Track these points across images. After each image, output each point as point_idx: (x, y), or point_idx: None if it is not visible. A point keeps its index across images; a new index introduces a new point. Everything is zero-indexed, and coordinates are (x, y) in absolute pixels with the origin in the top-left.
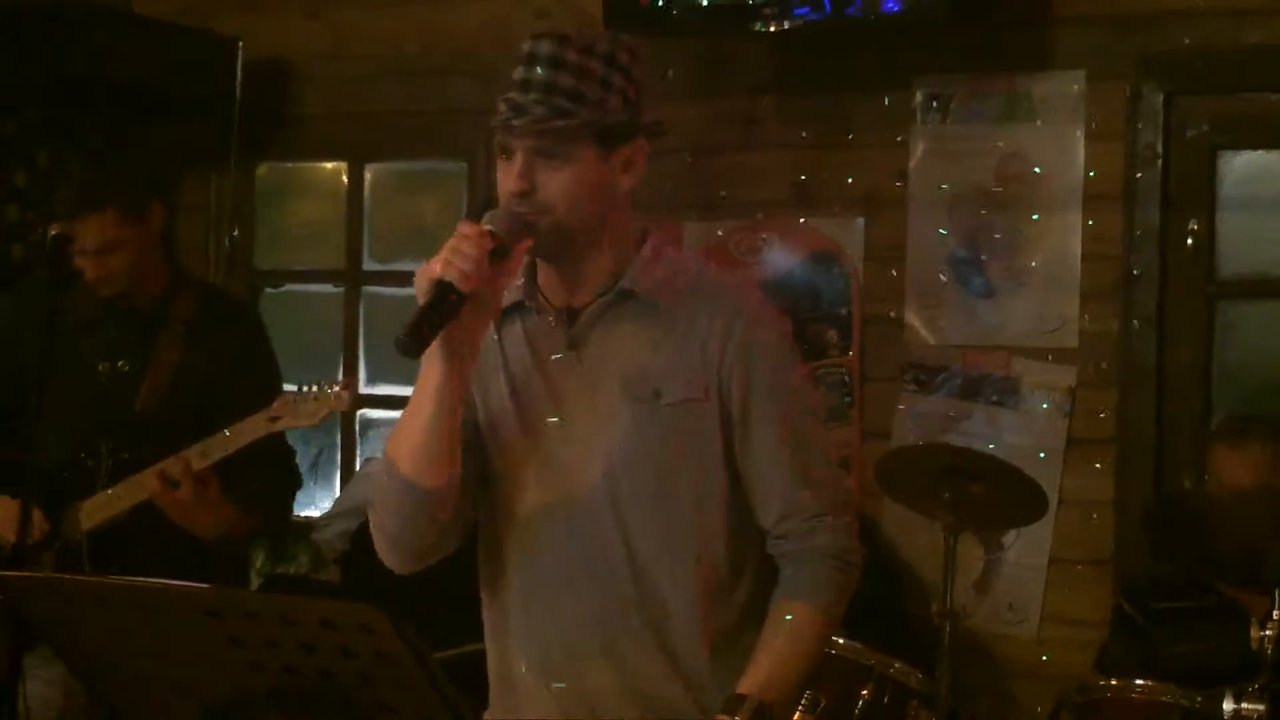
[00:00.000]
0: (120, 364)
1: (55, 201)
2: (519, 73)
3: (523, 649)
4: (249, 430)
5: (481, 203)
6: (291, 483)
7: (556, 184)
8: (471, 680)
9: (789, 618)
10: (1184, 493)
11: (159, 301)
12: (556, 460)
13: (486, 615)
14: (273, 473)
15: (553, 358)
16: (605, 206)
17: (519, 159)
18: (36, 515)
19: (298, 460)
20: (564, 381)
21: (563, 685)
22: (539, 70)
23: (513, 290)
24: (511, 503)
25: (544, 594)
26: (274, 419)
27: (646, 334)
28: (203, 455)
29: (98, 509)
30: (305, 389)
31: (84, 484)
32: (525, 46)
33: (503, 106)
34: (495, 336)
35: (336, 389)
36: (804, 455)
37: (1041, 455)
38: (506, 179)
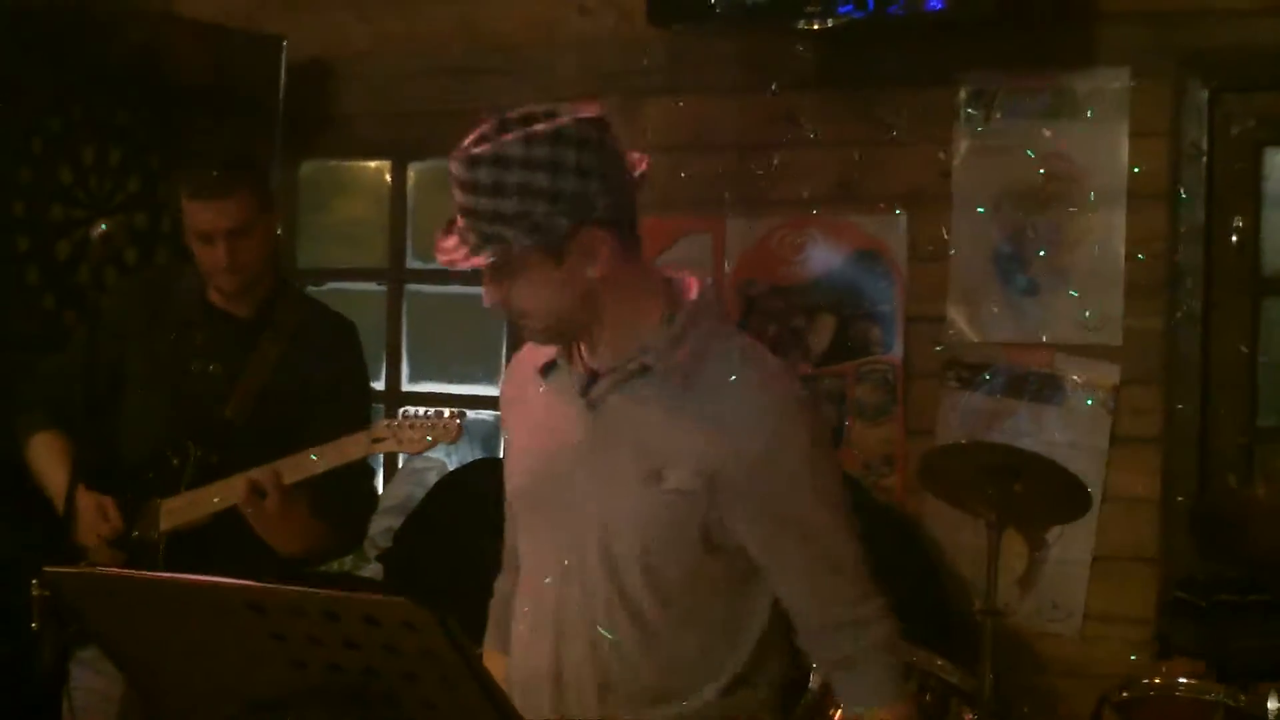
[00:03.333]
0: (213, 366)
1: (183, 185)
2: (455, 195)
3: (518, 678)
4: (348, 449)
5: None
6: (370, 505)
7: (520, 295)
8: None
9: None
10: (1230, 492)
11: (261, 309)
12: (561, 518)
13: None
14: (355, 494)
15: (572, 417)
16: (582, 298)
17: (484, 277)
18: (111, 508)
19: None
20: (580, 444)
21: None
22: (465, 195)
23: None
24: (527, 555)
25: (536, 633)
26: (377, 440)
27: (659, 412)
28: (296, 469)
29: (180, 510)
30: (415, 414)
31: (168, 483)
32: (450, 168)
33: (454, 227)
34: (537, 388)
35: (445, 419)
36: (834, 559)
37: (1085, 453)
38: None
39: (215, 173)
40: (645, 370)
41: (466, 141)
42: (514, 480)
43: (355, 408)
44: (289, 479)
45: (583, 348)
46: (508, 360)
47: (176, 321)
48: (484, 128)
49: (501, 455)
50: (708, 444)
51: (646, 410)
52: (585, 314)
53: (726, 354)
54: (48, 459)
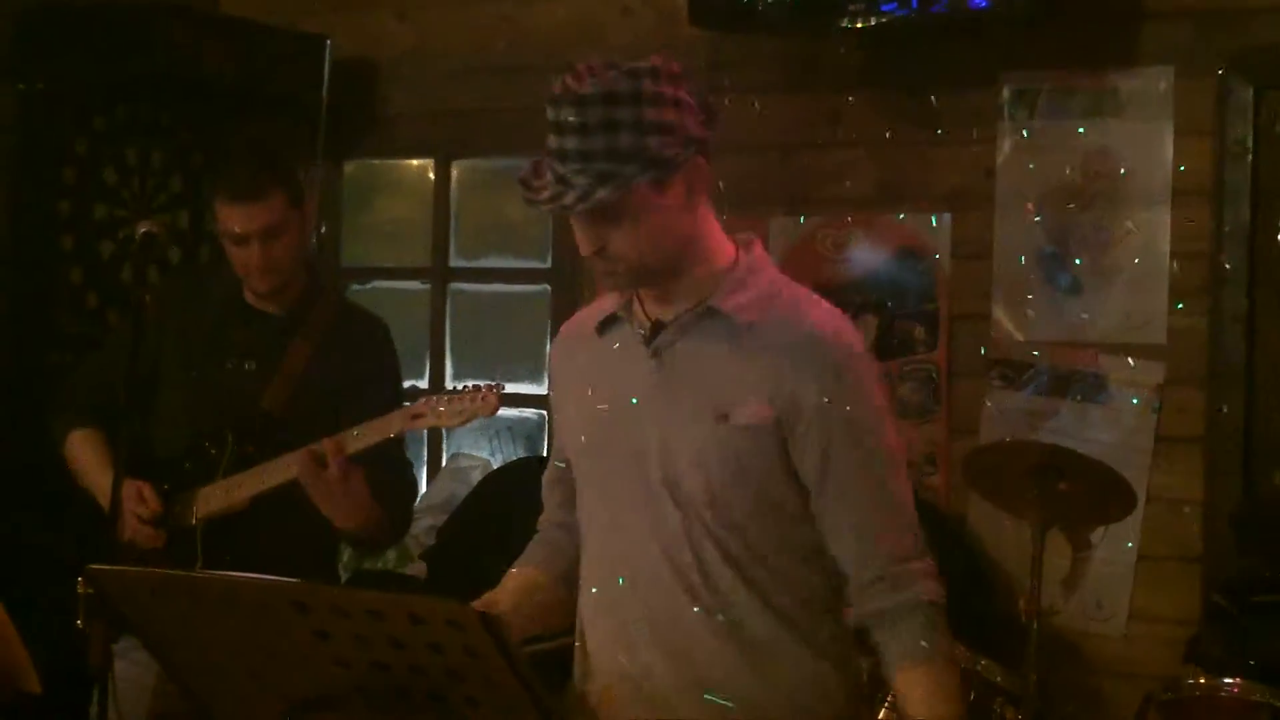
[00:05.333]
0: (248, 365)
1: (216, 188)
2: (553, 141)
3: (592, 633)
4: (389, 425)
5: None
6: (412, 493)
7: (623, 238)
8: (561, 674)
9: (924, 684)
10: (1273, 491)
11: (295, 308)
12: (631, 467)
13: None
14: (401, 478)
15: (635, 366)
16: (680, 235)
17: (581, 224)
18: (149, 490)
19: None
20: (644, 390)
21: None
22: (570, 138)
23: (611, 302)
24: (593, 505)
25: (610, 585)
26: (416, 416)
27: (725, 353)
28: (350, 442)
29: (217, 496)
30: (453, 388)
31: (205, 473)
32: (549, 113)
33: (548, 176)
34: (592, 345)
35: (483, 392)
36: (886, 503)
37: (1130, 452)
38: (580, 238)
39: (248, 174)
40: (712, 314)
41: (562, 88)
42: (578, 436)
43: (388, 404)
44: (350, 448)
45: (644, 300)
46: (551, 357)
47: (212, 321)
48: (568, 79)
49: (551, 429)
50: (773, 380)
51: (712, 352)
52: (677, 254)
53: (790, 297)
54: (88, 455)
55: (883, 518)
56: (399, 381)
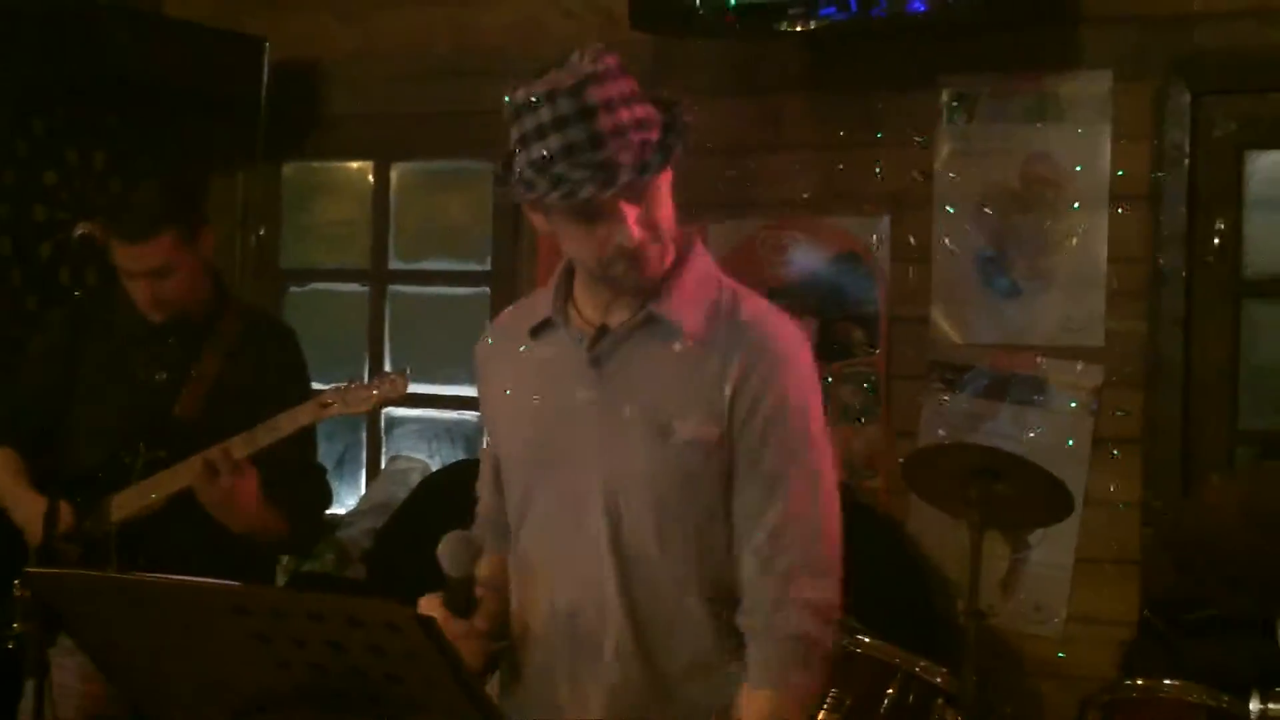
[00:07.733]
0: (159, 376)
1: (114, 225)
2: (575, 132)
3: (524, 653)
4: (299, 417)
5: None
6: (322, 500)
7: (659, 220)
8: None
9: (756, 707)
10: (1194, 507)
11: (203, 320)
12: (564, 476)
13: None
14: (305, 484)
15: (574, 375)
16: (672, 226)
17: (626, 212)
18: (64, 509)
19: (321, 458)
20: (582, 400)
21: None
22: (601, 117)
23: (544, 304)
24: (523, 516)
25: (540, 600)
26: (325, 405)
27: (668, 363)
28: (247, 442)
29: (131, 500)
30: (361, 378)
31: (119, 481)
32: (548, 111)
33: (576, 173)
34: (525, 348)
35: (391, 377)
36: (793, 519)
37: (1068, 455)
38: (606, 236)
39: (139, 216)
40: (653, 320)
41: (561, 76)
42: (512, 441)
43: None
44: (238, 453)
45: (579, 303)
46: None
47: (120, 338)
48: (554, 71)
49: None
50: (716, 390)
51: (652, 362)
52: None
53: (730, 300)
54: (2, 474)
55: (798, 525)
56: (308, 385)
